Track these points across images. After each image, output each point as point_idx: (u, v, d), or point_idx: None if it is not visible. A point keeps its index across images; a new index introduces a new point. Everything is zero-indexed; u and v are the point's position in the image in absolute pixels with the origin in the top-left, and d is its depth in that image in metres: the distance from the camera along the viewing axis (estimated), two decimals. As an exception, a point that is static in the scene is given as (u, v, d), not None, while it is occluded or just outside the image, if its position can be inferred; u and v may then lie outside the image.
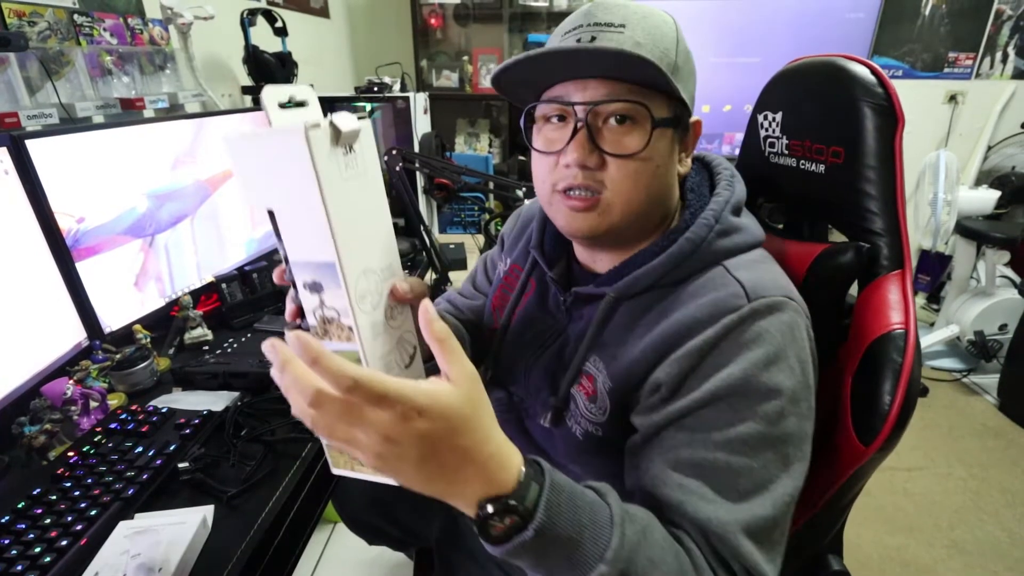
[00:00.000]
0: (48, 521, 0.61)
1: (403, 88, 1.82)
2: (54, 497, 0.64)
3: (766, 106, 0.75)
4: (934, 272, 2.90)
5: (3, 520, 0.61)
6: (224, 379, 0.88)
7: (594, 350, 0.58)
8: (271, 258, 1.34)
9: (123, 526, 0.61)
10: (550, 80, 0.55)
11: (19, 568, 0.55)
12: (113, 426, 0.77)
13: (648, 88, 0.52)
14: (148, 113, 1.21)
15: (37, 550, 0.57)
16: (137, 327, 0.95)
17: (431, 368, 0.41)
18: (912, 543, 1.62)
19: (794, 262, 0.65)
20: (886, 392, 0.53)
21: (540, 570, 0.40)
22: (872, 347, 0.55)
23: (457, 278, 2.02)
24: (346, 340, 0.42)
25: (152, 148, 0.99)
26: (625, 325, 0.56)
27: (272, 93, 0.40)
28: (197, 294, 1.11)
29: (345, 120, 0.39)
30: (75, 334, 0.87)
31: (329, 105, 1.71)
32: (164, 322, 1.05)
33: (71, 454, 0.71)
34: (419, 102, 1.75)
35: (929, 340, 2.49)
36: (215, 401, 0.84)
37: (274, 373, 0.37)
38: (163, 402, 0.84)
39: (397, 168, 1.38)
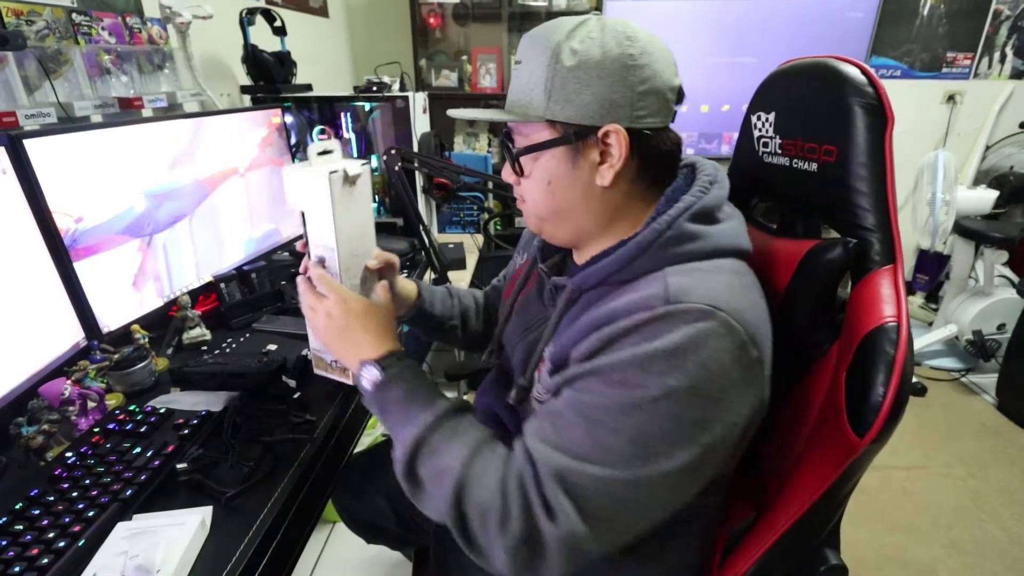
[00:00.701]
0: (46, 522, 0.61)
1: (402, 87, 1.82)
2: (52, 498, 0.64)
3: (759, 107, 0.76)
4: (932, 272, 2.91)
5: (1, 521, 0.60)
6: (223, 379, 0.88)
7: (553, 337, 0.64)
8: (270, 258, 1.34)
9: (121, 527, 0.61)
10: None
11: (17, 569, 0.55)
12: (111, 426, 0.77)
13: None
14: (146, 112, 1.21)
15: (35, 551, 0.57)
16: (135, 327, 0.94)
17: None
18: (911, 542, 1.62)
19: (785, 259, 0.66)
20: (879, 384, 0.53)
21: (384, 419, 0.64)
22: (865, 340, 0.56)
23: (456, 277, 2.02)
24: None
25: (150, 147, 0.99)
26: (575, 315, 0.61)
27: (313, 147, 0.71)
28: (195, 294, 1.10)
29: (352, 166, 0.70)
30: (73, 334, 0.87)
31: (328, 104, 1.71)
32: (162, 322, 1.04)
33: (69, 455, 0.71)
34: (418, 101, 1.75)
35: (927, 339, 2.49)
36: (213, 401, 0.84)
37: (300, 284, 0.73)
38: (161, 402, 0.84)
39: (396, 168, 1.37)
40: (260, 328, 1.12)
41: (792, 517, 0.60)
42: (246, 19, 1.54)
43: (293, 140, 1.37)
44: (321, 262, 0.73)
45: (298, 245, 0.68)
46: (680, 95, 0.61)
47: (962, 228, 2.37)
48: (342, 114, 1.72)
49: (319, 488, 0.82)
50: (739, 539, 0.68)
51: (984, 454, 1.99)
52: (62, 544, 0.58)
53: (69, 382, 0.79)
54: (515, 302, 0.78)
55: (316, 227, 0.72)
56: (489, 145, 2.91)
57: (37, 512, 0.62)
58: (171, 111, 1.31)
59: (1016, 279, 2.46)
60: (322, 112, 1.71)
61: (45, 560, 0.56)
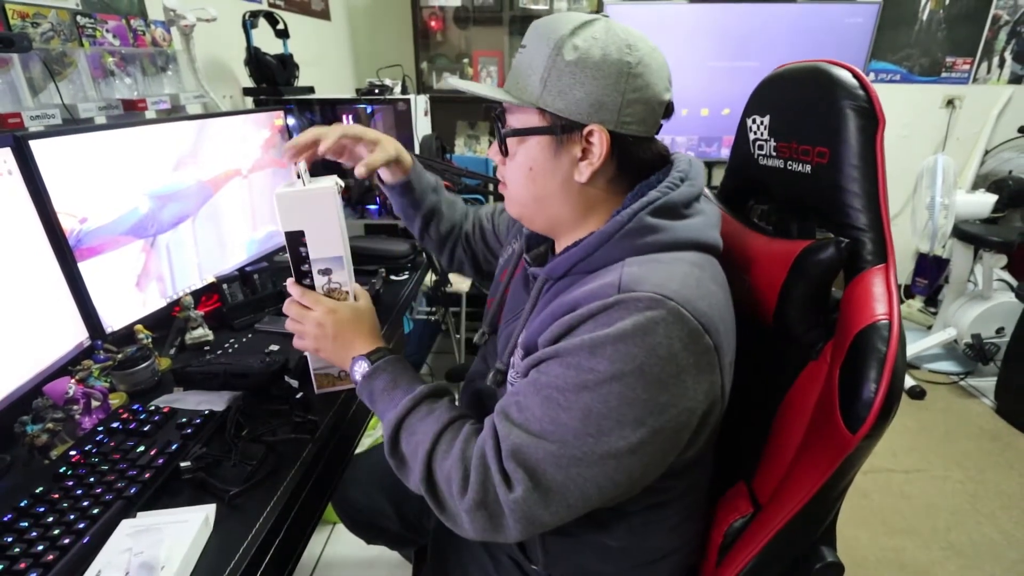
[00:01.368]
0: (51, 519, 0.61)
1: (404, 90, 1.83)
2: (56, 496, 0.64)
3: (754, 110, 0.77)
4: (931, 275, 2.92)
5: (6, 518, 0.61)
6: (225, 379, 0.88)
7: (525, 324, 0.66)
8: (272, 259, 1.35)
9: (125, 524, 0.61)
10: None
11: (22, 566, 0.55)
12: (115, 425, 0.78)
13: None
14: (150, 114, 1.22)
15: (40, 548, 0.57)
16: (138, 327, 0.95)
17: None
18: (909, 545, 1.63)
19: (780, 260, 0.67)
20: (871, 380, 0.54)
21: (374, 407, 0.69)
22: (857, 338, 0.57)
23: (457, 279, 2.03)
24: (343, 299, 0.79)
25: (154, 149, 1.00)
26: (544, 303, 0.64)
27: (302, 166, 0.76)
28: (198, 294, 1.11)
29: (340, 180, 0.76)
30: (77, 334, 0.87)
31: (330, 107, 1.72)
32: (165, 322, 1.05)
33: (73, 453, 0.72)
34: (420, 104, 1.76)
35: (926, 343, 2.50)
36: (216, 401, 0.84)
37: (287, 302, 0.79)
38: (164, 402, 0.85)
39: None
40: (262, 329, 1.13)
41: (788, 514, 0.60)
42: (249, 22, 1.56)
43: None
44: (326, 273, 0.77)
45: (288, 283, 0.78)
46: (669, 110, 0.63)
47: (961, 232, 2.38)
48: (344, 116, 1.73)
49: (321, 487, 0.83)
50: (736, 536, 0.68)
51: (982, 457, 1.99)
52: (67, 541, 0.58)
53: (73, 381, 0.80)
54: (506, 288, 0.81)
55: (319, 242, 0.75)
56: (490, 147, 2.91)
57: (42, 509, 0.63)
58: (174, 113, 1.32)
59: (1015, 283, 2.46)
60: (324, 114, 1.72)
61: (50, 557, 0.56)
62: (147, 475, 0.68)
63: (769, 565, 0.64)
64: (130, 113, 1.16)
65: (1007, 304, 2.36)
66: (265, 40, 1.63)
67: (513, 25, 2.72)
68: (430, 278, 1.74)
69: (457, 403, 0.75)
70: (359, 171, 0.81)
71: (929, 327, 2.70)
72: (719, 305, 0.57)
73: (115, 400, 0.87)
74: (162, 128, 1.01)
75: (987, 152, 2.88)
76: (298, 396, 0.87)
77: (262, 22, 1.62)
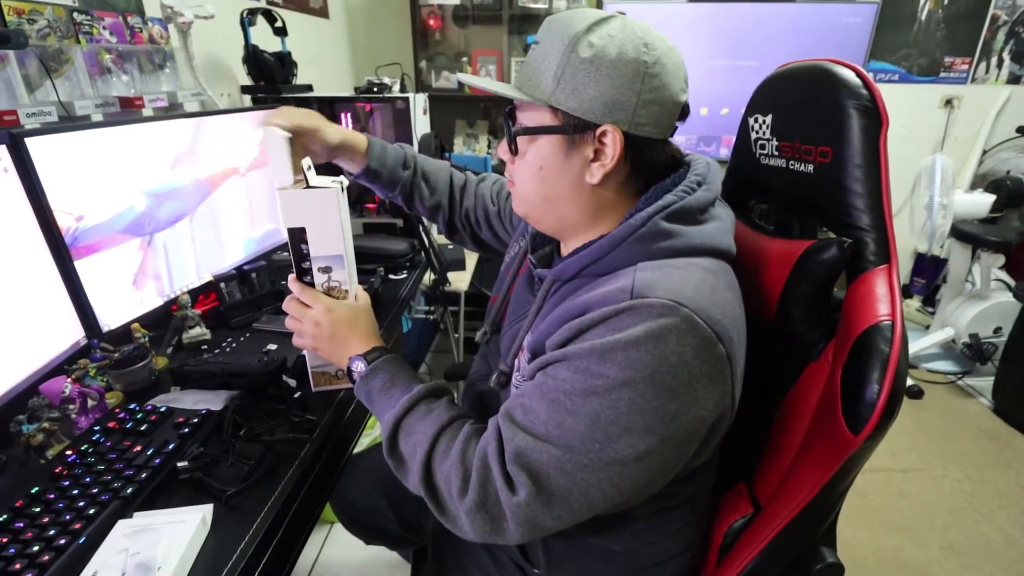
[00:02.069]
0: (46, 519, 0.61)
1: (402, 89, 1.82)
2: (52, 496, 0.64)
3: (756, 109, 0.77)
4: (929, 275, 2.92)
5: (1, 518, 0.61)
6: (222, 378, 0.88)
7: (531, 326, 0.66)
8: (270, 257, 1.34)
9: (122, 524, 0.61)
10: None
11: (17, 566, 0.55)
12: (111, 425, 0.77)
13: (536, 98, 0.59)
14: (147, 112, 1.21)
15: (35, 548, 0.57)
16: (135, 326, 0.94)
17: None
18: (907, 544, 1.63)
19: (782, 260, 0.67)
20: (874, 381, 0.54)
21: (372, 407, 0.69)
22: (860, 339, 0.56)
23: (456, 278, 2.02)
24: (342, 298, 0.80)
25: (151, 147, 0.99)
26: (552, 306, 0.63)
27: (307, 161, 0.78)
28: (195, 293, 1.10)
29: (343, 180, 0.78)
30: (73, 332, 0.87)
31: (329, 105, 1.71)
32: (162, 321, 1.04)
33: (69, 453, 0.71)
34: (419, 103, 1.75)
35: (924, 342, 2.50)
36: (214, 400, 0.84)
37: (287, 299, 0.79)
38: (161, 401, 0.84)
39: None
40: (260, 328, 1.13)
41: (789, 514, 0.60)
42: (247, 19, 1.55)
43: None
44: (326, 271, 0.78)
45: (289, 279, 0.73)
46: (684, 112, 0.61)
47: (959, 232, 2.38)
48: (343, 115, 1.72)
49: (319, 487, 0.82)
50: (737, 536, 0.68)
51: (980, 457, 2.00)
52: (63, 541, 0.58)
53: (69, 380, 0.79)
54: (510, 287, 0.80)
55: (321, 241, 0.75)
56: (488, 147, 2.91)
57: (38, 509, 0.62)
58: (172, 111, 1.31)
59: (1012, 283, 2.47)
60: (322, 113, 1.71)
61: (46, 557, 0.56)
62: (144, 475, 0.68)
63: (769, 566, 0.64)
64: (127, 111, 1.16)
65: (1005, 304, 2.36)
66: (263, 38, 1.62)
67: (512, 24, 2.71)
68: (429, 277, 1.73)
69: (459, 404, 0.74)
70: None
71: (927, 327, 2.71)
72: (733, 313, 0.56)
73: (112, 399, 0.86)
74: (159, 126, 1.01)
75: (985, 152, 2.88)
76: (296, 395, 0.87)
77: (260, 20, 1.61)
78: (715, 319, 0.52)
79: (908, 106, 2.83)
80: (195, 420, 0.78)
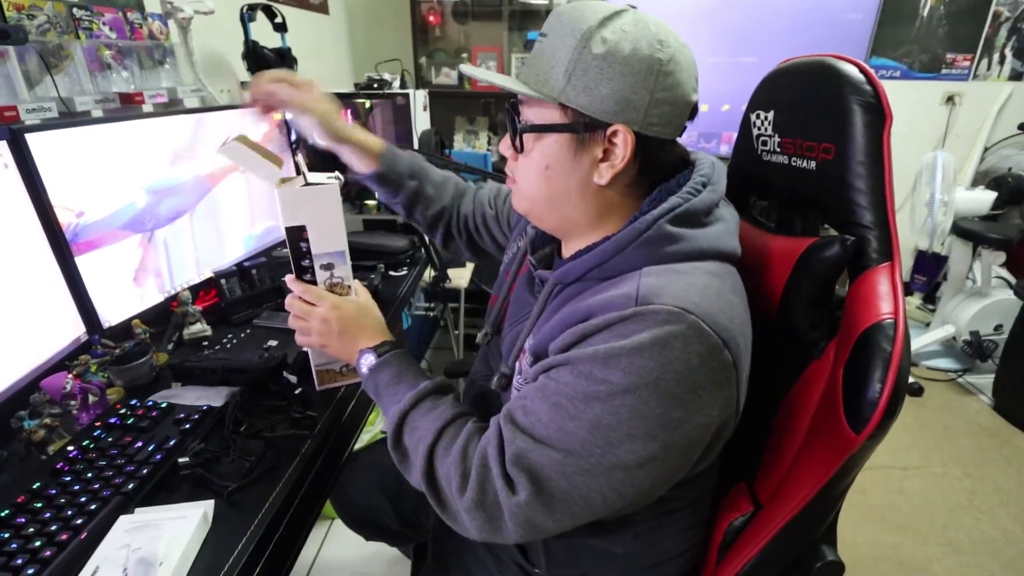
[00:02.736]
0: (48, 515, 0.61)
1: (403, 85, 1.82)
2: (54, 491, 0.64)
3: (758, 105, 0.76)
4: (930, 272, 2.92)
5: (3, 514, 0.61)
6: (223, 375, 0.88)
7: (533, 329, 0.65)
8: (270, 254, 1.34)
9: (123, 520, 0.61)
10: None
11: (19, 562, 0.55)
12: (112, 421, 0.77)
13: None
14: (147, 108, 1.21)
15: (37, 544, 0.57)
16: (136, 322, 0.94)
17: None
18: (907, 542, 1.63)
19: (784, 257, 0.66)
20: (876, 380, 0.53)
21: (379, 400, 0.69)
22: (862, 337, 0.56)
23: (456, 275, 2.02)
24: (345, 294, 0.80)
25: (151, 143, 0.99)
26: (554, 309, 0.62)
27: (300, 158, 0.83)
28: (196, 289, 1.10)
29: (340, 176, 0.78)
30: (74, 329, 0.87)
31: (328, 101, 1.70)
32: (163, 317, 1.04)
33: (71, 448, 0.71)
34: (419, 99, 1.75)
35: (925, 340, 2.50)
36: (214, 397, 0.84)
37: (289, 298, 0.78)
38: (162, 397, 0.84)
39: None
40: (260, 324, 1.13)
41: (790, 513, 0.60)
42: (247, 15, 1.54)
43: (294, 137, 1.37)
44: (328, 268, 0.78)
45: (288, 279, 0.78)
46: (694, 111, 0.60)
47: (960, 229, 2.38)
48: (343, 111, 1.72)
49: (320, 484, 0.82)
50: (737, 535, 0.68)
51: (980, 454, 2.00)
52: (64, 537, 0.58)
53: (70, 376, 0.80)
54: (510, 288, 0.79)
55: (322, 238, 0.75)
56: (489, 143, 2.91)
57: (39, 505, 0.62)
58: (171, 107, 1.30)
59: (1013, 280, 2.47)
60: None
61: (48, 553, 0.56)
62: (145, 471, 0.68)
63: (769, 564, 0.64)
64: (127, 107, 1.15)
65: (1005, 301, 2.36)
66: (263, 34, 1.62)
67: (512, 20, 2.71)
68: (429, 274, 1.73)
69: (461, 403, 0.74)
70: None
71: (927, 324, 2.71)
72: (739, 318, 0.55)
73: (112, 395, 0.86)
74: (159, 122, 1.01)
75: (987, 149, 2.87)
76: (297, 392, 0.87)
77: (260, 15, 1.60)
78: (721, 325, 0.51)
79: (909, 103, 2.83)
80: (196, 416, 0.78)
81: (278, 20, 1.65)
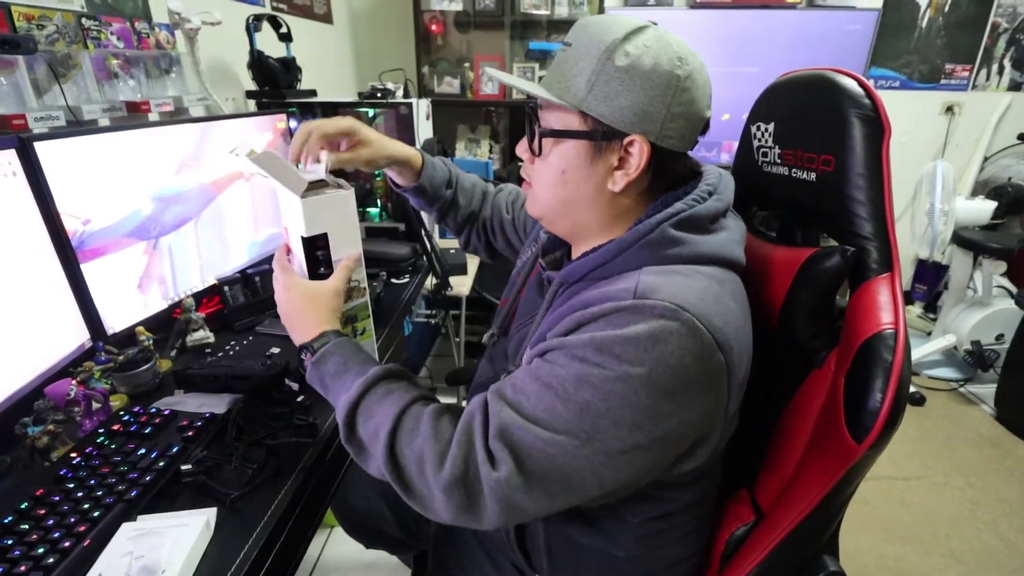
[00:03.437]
0: (51, 522, 0.61)
1: (406, 94, 1.83)
2: (57, 498, 0.64)
3: (759, 117, 0.77)
4: (931, 281, 2.92)
5: (6, 520, 0.61)
6: (226, 382, 0.88)
7: (537, 328, 0.66)
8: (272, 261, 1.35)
9: (126, 527, 0.61)
10: None
11: (22, 568, 0.55)
12: (116, 427, 0.77)
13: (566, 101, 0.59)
14: (153, 117, 1.22)
15: (40, 551, 0.57)
16: (140, 329, 0.95)
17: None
18: (909, 552, 1.62)
19: (784, 267, 0.67)
20: (877, 390, 0.54)
21: (327, 393, 0.67)
22: (863, 347, 0.57)
23: (457, 282, 2.02)
24: (360, 298, 0.82)
25: (157, 151, 1.00)
26: (556, 307, 0.63)
27: (324, 156, 0.79)
28: (199, 296, 1.11)
29: (343, 182, 0.77)
30: (78, 335, 0.87)
31: (333, 110, 1.72)
32: (166, 324, 1.05)
33: (74, 455, 0.71)
34: (422, 108, 1.76)
35: (926, 349, 2.50)
36: (217, 404, 0.84)
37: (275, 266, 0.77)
38: (165, 404, 0.84)
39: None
40: (263, 331, 1.13)
41: (792, 523, 0.60)
42: (252, 25, 1.56)
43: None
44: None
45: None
46: (706, 127, 0.62)
47: (960, 238, 2.38)
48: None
49: (321, 491, 0.82)
50: (738, 545, 0.68)
51: (982, 464, 1.99)
52: (67, 544, 0.58)
53: (74, 383, 0.80)
54: (520, 290, 0.80)
55: (342, 243, 0.76)
56: (490, 151, 2.92)
57: (42, 512, 0.62)
58: (177, 115, 1.32)
59: (1014, 290, 2.47)
60: (327, 117, 1.73)
61: (51, 560, 0.56)
62: (148, 478, 0.68)
63: (771, 574, 0.64)
64: (133, 115, 1.16)
65: (1007, 311, 2.36)
66: (268, 43, 1.63)
67: (513, 30, 2.73)
68: (430, 281, 1.74)
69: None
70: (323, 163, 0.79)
71: (929, 333, 2.70)
72: (736, 323, 0.56)
73: (116, 402, 0.87)
74: (165, 130, 1.02)
75: (986, 159, 2.89)
76: (299, 399, 0.87)
77: (265, 26, 1.62)
78: (717, 327, 0.52)
79: (909, 113, 2.84)
80: (199, 423, 0.78)
81: (283, 30, 1.66)
